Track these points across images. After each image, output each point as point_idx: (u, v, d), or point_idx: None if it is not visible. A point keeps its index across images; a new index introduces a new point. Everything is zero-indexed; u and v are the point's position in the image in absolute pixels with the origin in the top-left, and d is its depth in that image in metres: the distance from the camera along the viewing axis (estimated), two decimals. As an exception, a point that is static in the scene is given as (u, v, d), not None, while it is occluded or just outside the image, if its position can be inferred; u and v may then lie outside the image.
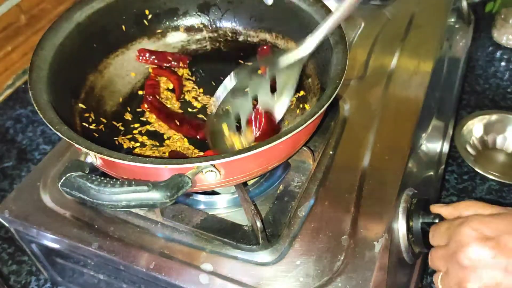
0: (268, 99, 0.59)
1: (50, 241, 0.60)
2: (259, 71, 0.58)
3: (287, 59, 0.57)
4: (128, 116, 0.66)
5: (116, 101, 0.67)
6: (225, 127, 0.58)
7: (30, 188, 0.64)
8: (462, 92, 1.00)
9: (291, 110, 0.65)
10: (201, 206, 0.61)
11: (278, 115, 0.60)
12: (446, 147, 0.86)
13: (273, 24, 0.70)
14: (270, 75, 0.57)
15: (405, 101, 0.71)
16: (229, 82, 0.56)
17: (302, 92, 0.65)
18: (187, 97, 0.69)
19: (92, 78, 0.65)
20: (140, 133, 0.65)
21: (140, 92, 0.69)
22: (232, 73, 0.57)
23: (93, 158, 0.49)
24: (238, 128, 0.59)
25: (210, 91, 0.69)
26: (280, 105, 0.59)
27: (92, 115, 0.62)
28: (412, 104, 0.70)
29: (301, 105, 0.65)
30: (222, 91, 0.57)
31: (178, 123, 0.64)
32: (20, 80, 1.07)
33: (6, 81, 1.05)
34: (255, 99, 0.59)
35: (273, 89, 0.59)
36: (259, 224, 0.52)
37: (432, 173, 0.77)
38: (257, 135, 0.59)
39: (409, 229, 0.59)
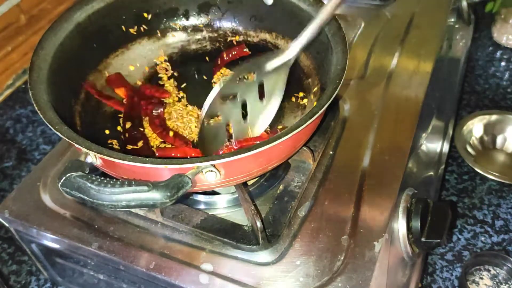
0: (257, 104, 0.59)
1: (50, 241, 0.60)
2: (248, 76, 0.58)
3: (273, 63, 0.57)
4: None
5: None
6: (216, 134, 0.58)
7: (30, 188, 0.64)
8: (462, 92, 1.00)
9: (291, 110, 0.65)
10: (201, 206, 0.61)
11: (267, 120, 0.61)
12: (446, 147, 0.86)
13: (273, 24, 0.70)
14: (258, 79, 0.58)
15: (405, 101, 0.71)
16: (218, 88, 0.56)
17: (301, 93, 0.65)
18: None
19: (92, 78, 0.65)
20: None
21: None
22: (220, 80, 0.57)
23: (93, 158, 0.49)
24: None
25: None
26: (269, 110, 0.60)
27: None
28: (412, 104, 0.70)
29: (301, 105, 0.65)
30: (210, 97, 0.56)
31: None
32: (20, 80, 1.07)
33: (6, 81, 1.05)
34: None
35: (261, 95, 0.59)
36: (259, 224, 0.52)
37: (432, 173, 0.77)
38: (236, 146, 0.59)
39: (409, 229, 0.59)
